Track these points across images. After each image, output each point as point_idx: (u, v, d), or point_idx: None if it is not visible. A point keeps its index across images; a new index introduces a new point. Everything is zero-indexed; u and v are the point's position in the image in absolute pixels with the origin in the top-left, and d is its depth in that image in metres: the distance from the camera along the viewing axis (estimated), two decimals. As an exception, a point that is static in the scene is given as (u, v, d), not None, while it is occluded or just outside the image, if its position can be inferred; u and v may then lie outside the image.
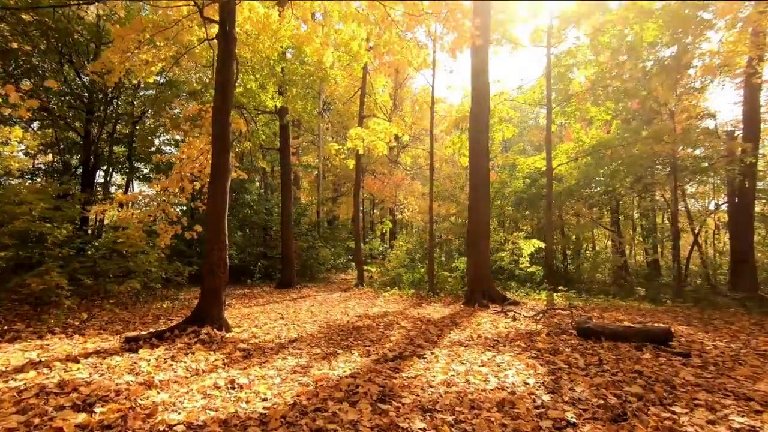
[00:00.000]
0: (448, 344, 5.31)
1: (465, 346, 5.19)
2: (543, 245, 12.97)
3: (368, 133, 11.50)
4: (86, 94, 15.38)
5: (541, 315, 7.28)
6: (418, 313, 8.35)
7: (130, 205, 10.43)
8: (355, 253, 14.26)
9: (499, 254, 13.48)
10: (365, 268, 16.00)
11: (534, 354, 4.75)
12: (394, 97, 21.84)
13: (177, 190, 9.20)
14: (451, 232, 18.65)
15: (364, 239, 22.08)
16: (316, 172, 24.44)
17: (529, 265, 12.80)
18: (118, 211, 9.06)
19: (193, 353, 4.55)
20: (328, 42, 11.44)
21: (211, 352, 4.68)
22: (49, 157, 17.76)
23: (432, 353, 4.83)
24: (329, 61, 12.15)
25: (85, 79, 15.08)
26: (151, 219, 9.37)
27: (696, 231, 16.73)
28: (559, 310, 7.65)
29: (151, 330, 5.79)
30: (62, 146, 15.50)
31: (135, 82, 10.30)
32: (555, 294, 10.45)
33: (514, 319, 7.15)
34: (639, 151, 13.22)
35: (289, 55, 12.32)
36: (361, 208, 18.63)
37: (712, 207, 20.70)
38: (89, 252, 10.57)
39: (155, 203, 10.18)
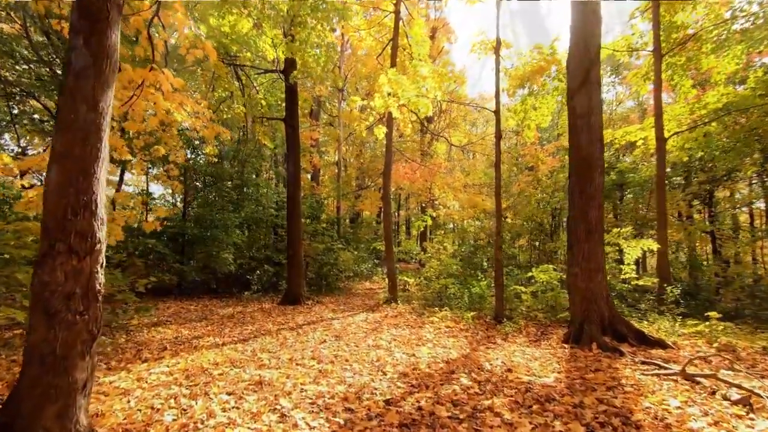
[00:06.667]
0: None
1: None
2: (655, 247, 8.96)
3: (406, 82, 7.89)
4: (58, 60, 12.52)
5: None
6: (505, 365, 4.68)
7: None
8: (386, 259, 10.65)
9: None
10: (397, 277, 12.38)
11: None
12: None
13: (125, 154, 5.84)
14: (505, 233, 14.77)
15: (394, 241, 18.43)
16: (336, 167, 21.11)
17: (635, 275, 8.84)
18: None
19: None
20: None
21: None
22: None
23: None
24: (350, -15, 8.66)
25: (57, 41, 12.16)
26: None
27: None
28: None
29: None
30: (18, 125, 12.62)
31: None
32: (703, 325, 6.48)
33: (749, 408, 3.31)
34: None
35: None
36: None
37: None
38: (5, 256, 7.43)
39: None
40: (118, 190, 12.85)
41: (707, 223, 14.44)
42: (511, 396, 3.65)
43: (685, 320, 6.95)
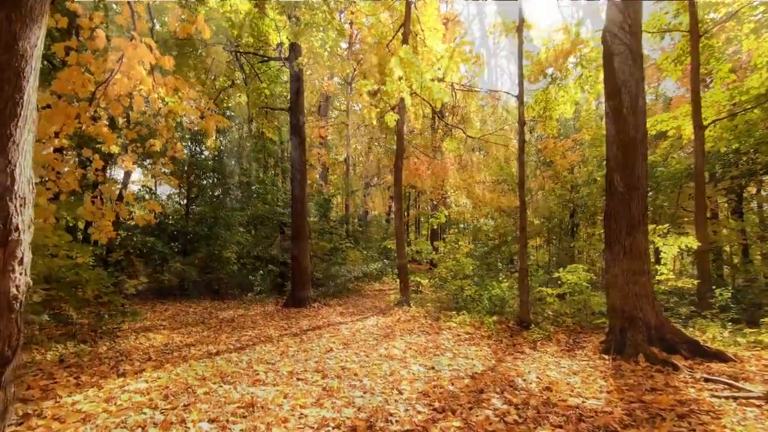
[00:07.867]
0: None
1: None
2: (695, 245, 8.11)
3: (420, 64, 7.19)
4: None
5: None
6: (542, 381, 3.96)
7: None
8: (398, 258, 9.97)
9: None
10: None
11: None
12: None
13: (113, 146, 5.27)
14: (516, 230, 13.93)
15: (405, 240, 17.75)
16: (344, 165, 20.51)
17: (672, 276, 8.00)
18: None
19: None
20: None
21: None
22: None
23: None
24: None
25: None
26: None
27: None
28: None
29: None
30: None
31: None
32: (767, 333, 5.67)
33: None
34: None
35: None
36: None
37: None
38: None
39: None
40: (124, 187, 12.37)
41: (731, 220, 13.44)
42: (560, 426, 2.93)
43: (737, 327, 6.14)
